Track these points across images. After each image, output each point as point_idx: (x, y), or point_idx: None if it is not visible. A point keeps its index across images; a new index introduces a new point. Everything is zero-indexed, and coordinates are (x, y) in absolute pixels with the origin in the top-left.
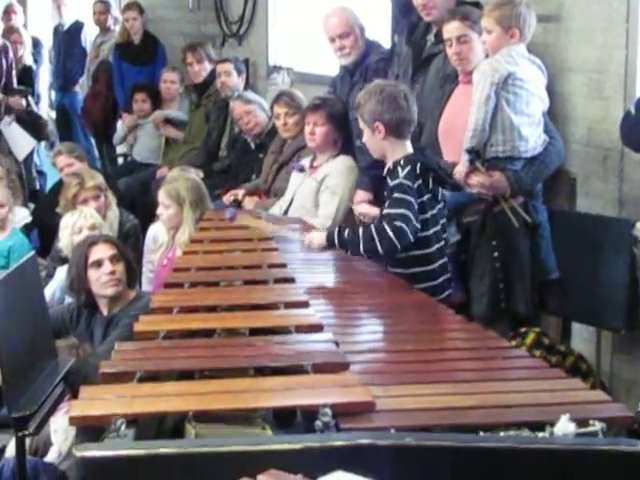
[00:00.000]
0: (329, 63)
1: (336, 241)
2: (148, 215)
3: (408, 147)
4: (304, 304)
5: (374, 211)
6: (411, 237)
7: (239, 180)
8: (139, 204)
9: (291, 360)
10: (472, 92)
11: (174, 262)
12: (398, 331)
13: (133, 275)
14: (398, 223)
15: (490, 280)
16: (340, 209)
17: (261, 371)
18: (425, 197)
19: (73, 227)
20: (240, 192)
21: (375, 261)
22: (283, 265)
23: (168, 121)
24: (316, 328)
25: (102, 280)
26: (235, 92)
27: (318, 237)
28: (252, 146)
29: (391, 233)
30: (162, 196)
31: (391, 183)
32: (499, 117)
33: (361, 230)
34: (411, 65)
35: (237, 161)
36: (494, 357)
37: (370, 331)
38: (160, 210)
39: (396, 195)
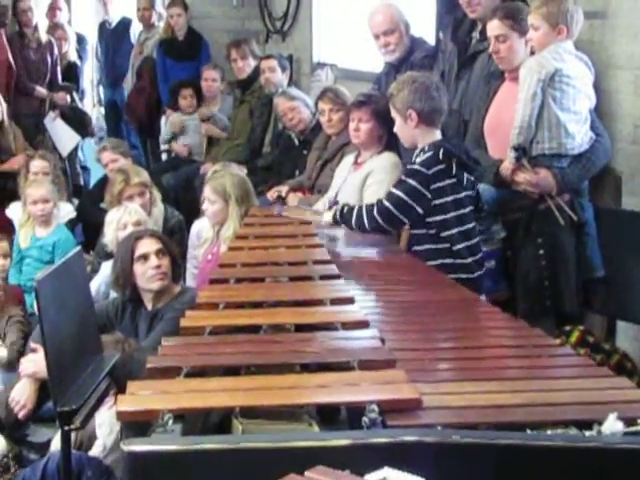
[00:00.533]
0: (373, 59)
1: (338, 217)
2: (191, 211)
3: (437, 136)
4: (350, 300)
5: (327, 218)
6: (403, 219)
7: (283, 176)
8: (183, 200)
9: (337, 356)
10: (518, 89)
11: (219, 258)
12: (444, 328)
13: (178, 270)
14: (386, 204)
15: (535, 278)
16: None
17: (307, 367)
18: (447, 182)
19: (118, 223)
20: (284, 188)
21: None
22: (328, 261)
23: (209, 120)
24: (362, 325)
25: (148, 274)
26: (279, 88)
27: (327, 215)
28: (296, 142)
29: (376, 212)
30: (208, 191)
31: (407, 166)
32: (545, 114)
33: (356, 208)
34: (456, 62)
35: (281, 157)
36: (540, 355)
37: (416, 328)
38: (205, 205)
39: (402, 177)
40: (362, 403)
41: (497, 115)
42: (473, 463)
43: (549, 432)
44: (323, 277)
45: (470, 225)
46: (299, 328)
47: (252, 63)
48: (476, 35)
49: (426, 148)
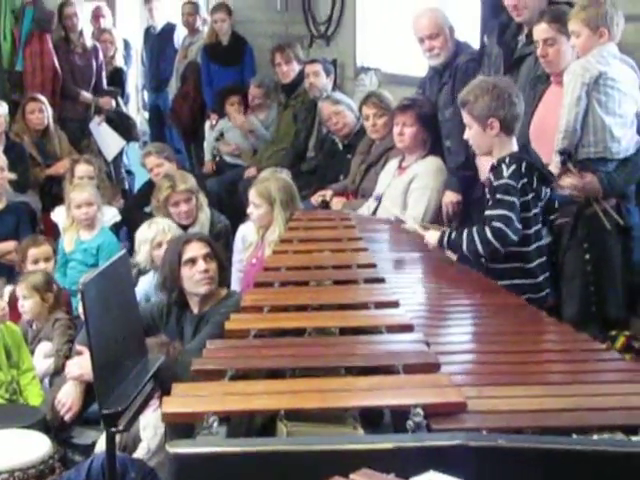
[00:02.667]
0: (417, 64)
1: (445, 242)
2: (236, 215)
3: (514, 144)
4: (394, 304)
5: (420, 230)
6: (514, 237)
7: (327, 181)
8: (227, 204)
9: (382, 360)
10: (563, 93)
11: (264, 261)
12: (489, 332)
13: (224, 274)
14: (497, 224)
15: (581, 283)
16: (429, 210)
17: (351, 371)
18: (529, 196)
19: (152, 242)
20: (328, 193)
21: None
22: (372, 265)
23: (252, 133)
24: (407, 328)
25: (196, 278)
26: (323, 93)
27: (432, 236)
28: (340, 147)
29: (490, 235)
30: (253, 195)
31: (495, 182)
32: (590, 118)
33: (465, 232)
34: (502, 66)
35: (325, 162)
36: (586, 359)
37: (461, 332)
38: (250, 209)
39: (498, 196)
40: (407, 406)
41: (543, 119)
42: (518, 467)
43: (595, 437)
44: (367, 280)
45: (545, 241)
46: (343, 331)
47: (296, 68)
48: (522, 39)
49: (507, 160)
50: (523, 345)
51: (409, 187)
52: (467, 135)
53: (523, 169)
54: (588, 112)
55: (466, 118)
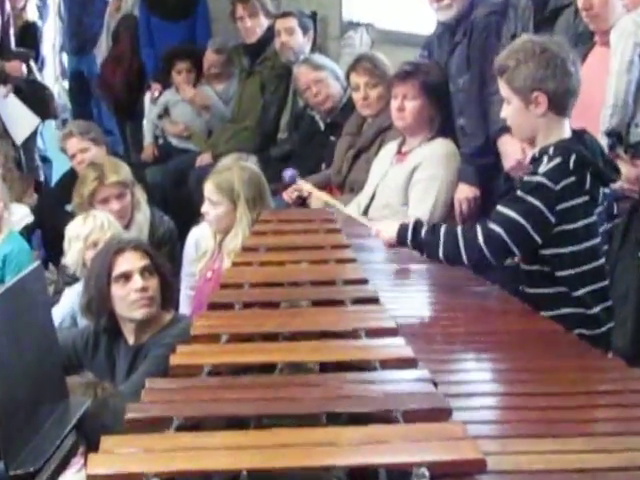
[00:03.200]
0: (422, 18)
1: (409, 237)
2: (185, 216)
3: (566, 129)
4: (392, 332)
5: (387, 234)
6: (514, 249)
7: (304, 170)
8: (173, 201)
9: (375, 405)
10: (611, 56)
11: (222, 276)
12: (514, 368)
13: (169, 293)
14: (496, 228)
15: (636, 301)
16: (437, 208)
17: (336, 419)
18: (578, 200)
19: (86, 240)
20: (306, 186)
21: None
22: (364, 281)
23: (206, 110)
24: (408, 363)
25: (130, 298)
26: (300, 55)
27: (388, 228)
28: (321, 126)
29: (481, 238)
30: (210, 190)
31: (526, 177)
32: None
33: (443, 230)
34: (532, 20)
35: (302, 145)
36: None
37: (478, 368)
38: (206, 208)
39: (519, 193)
40: (408, 465)
41: (586, 90)
42: None
43: None
44: (357, 301)
45: (601, 261)
46: (325, 367)
47: (264, 23)
48: None
49: (551, 150)
50: (558, 385)
51: (411, 178)
52: (505, 112)
53: (571, 164)
54: None
55: (504, 90)
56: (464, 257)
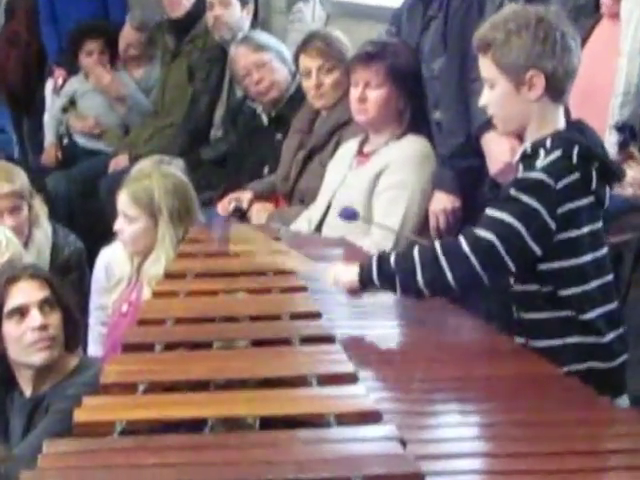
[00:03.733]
0: None
1: (374, 273)
2: (96, 234)
3: (561, 119)
4: (350, 378)
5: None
6: (511, 266)
7: (243, 176)
8: (81, 216)
9: (330, 470)
10: (622, 33)
11: (139, 309)
12: (501, 422)
13: (75, 331)
14: (486, 234)
15: None
16: (408, 223)
17: None
18: (583, 202)
19: None
20: (245, 196)
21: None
22: (316, 315)
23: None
24: (370, 417)
25: (27, 339)
26: (237, 33)
27: (346, 271)
28: (264, 120)
29: (467, 248)
30: (124, 202)
31: (520, 175)
32: None
33: (416, 250)
34: None
35: (240, 145)
36: None
37: (456, 422)
38: (120, 224)
39: (512, 192)
40: None
41: (589, 73)
42: None
43: None
44: (307, 340)
45: (610, 277)
46: (268, 424)
47: None
48: None
49: (548, 143)
50: (556, 443)
51: (375, 185)
52: (485, 99)
53: (575, 158)
54: None
55: (488, 70)
56: (449, 277)
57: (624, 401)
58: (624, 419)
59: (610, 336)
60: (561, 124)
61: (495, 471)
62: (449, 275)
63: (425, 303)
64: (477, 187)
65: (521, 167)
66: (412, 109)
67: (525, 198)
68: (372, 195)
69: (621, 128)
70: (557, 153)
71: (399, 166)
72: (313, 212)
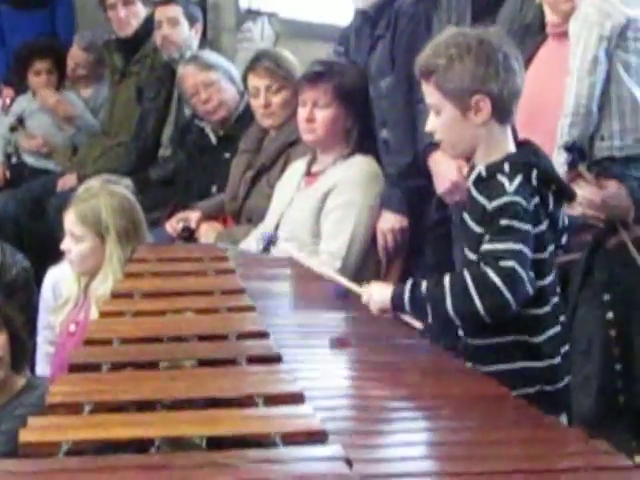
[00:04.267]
0: (336, 7)
1: (406, 298)
2: (44, 253)
3: (509, 139)
4: (297, 398)
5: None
6: (529, 288)
7: (191, 195)
8: (29, 235)
9: None
10: (568, 52)
11: (86, 329)
12: (450, 442)
13: (22, 351)
14: (509, 263)
15: (601, 357)
16: (355, 243)
17: None
18: (544, 224)
19: None
20: (194, 215)
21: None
22: (263, 334)
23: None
24: (317, 437)
25: None
26: (186, 52)
27: (379, 293)
28: (213, 140)
29: (498, 280)
30: (71, 221)
31: (492, 203)
32: (614, 92)
33: (448, 280)
34: (469, 10)
35: (188, 164)
36: None
37: (404, 441)
38: (67, 244)
39: (503, 222)
40: None
41: (537, 94)
42: None
43: None
44: (254, 359)
45: (557, 298)
46: (214, 443)
47: (141, 12)
48: None
49: (506, 167)
50: (505, 461)
51: (323, 206)
52: (431, 125)
53: (534, 181)
54: (610, 84)
55: (432, 96)
56: (479, 307)
57: (563, 419)
58: (572, 438)
59: (558, 358)
60: (511, 146)
61: None
62: (479, 305)
63: (374, 322)
64: (423, 206)
65: (474, 190)
66: (359, 128)
67: (518, 224)
68: (320, 215)
69: (570, 148)
70: (519, 178)
71: (346, 186)
72: (261, 232)
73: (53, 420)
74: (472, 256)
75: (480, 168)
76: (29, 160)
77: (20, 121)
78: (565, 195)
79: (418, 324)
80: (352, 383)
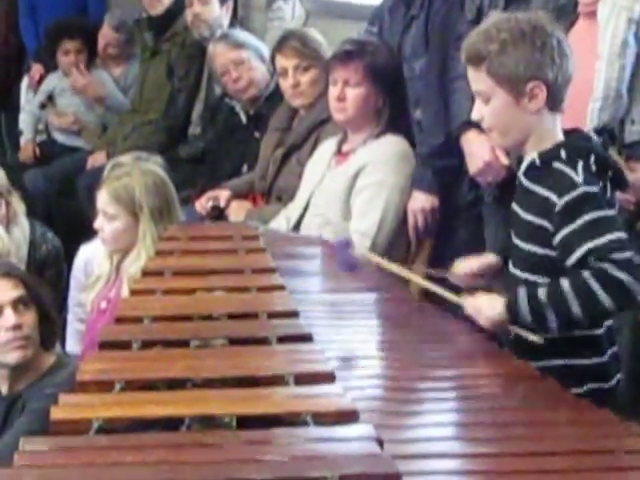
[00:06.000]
0: None
1: (524, 308)
2: (74, 231)
3: (559, 127)
4: (327, 377)
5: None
6: None
7: (221, 174)
8: (59, 213)
9: (307, 469)
10: (599, 34)
11: (117, 307)
12: (481, 422)
13: (51, 329)
14: (624, 254)
15: (630, 338)
16: (386, 222)
17: None
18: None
19: None
20: (223, 194)
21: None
22: (293, 313)
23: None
24: (348, 417)
25: (1, 339)
26: (216, 30)
27: (489, 307)
28: (243, 118)
29: (621, 274)
30: (104, 200)
31: (565, 197)
32: None
33: (567, 283)
34: None
35: (218, 143)
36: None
37: (434, 422)
38: (100, 223)
39: (589, 216)
40: None
41: None
42: None
43: None
44: (285, 339)
45: None
46: (244, 422)
47: None
48: None
49: (563, 154)
50: (537, 443)
51: (354, 185)
52: (478, 113)
53: (592, 166)
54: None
55: (482, 83)
56: (607, 302)
57: None
58: (606, 420)
59: (608, 354)
60: (560, 134)
61: (473, 471)
62: (608, 302)
63: (405, 304)
64: (455, 187)
65: (525, 180)
66: (391, 108)
67: (603, 213)
68: (350, 194)
69: (601, 132)
70: (581, 164)
71: (377, 166)
72: (291, 211)
73: (84, 398)
74: (522, 244)
75: (532, 156)
76: (59, 138)
77: (50, 98)
78: (621, 182)
79: (534, 337)
80: (383, 363)
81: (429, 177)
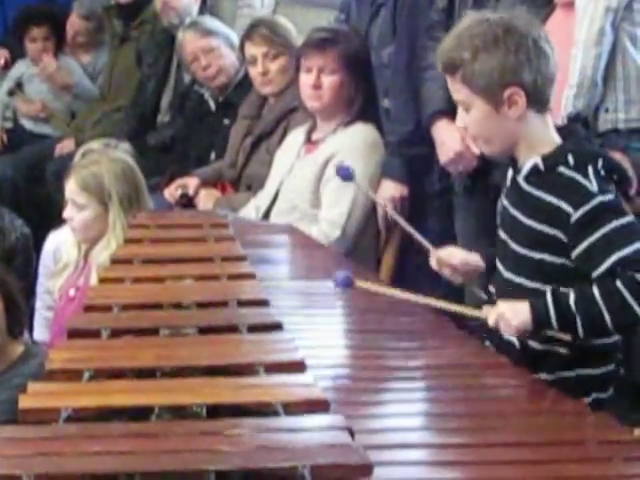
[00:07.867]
0: None
1: (552, 316)
2: (42, 218)
3: (552, 127)
4: (298, 367)
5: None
6: None
7: (190, 162)
8: (27, 200)
9: (277, 459)
10: (575, 24)
11: (86, 295)
12: (451, 412)
13: (18, 317)
14: None
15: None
16: (355, 211)
17: (227, 478)
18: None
19: None
20: (192, 181)
21: None
22: (263, 302)
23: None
24: (318, 406)
25: None
26: (185, 18)
27: (514, 311)
28: (212, 106)
29: None
30: (73, 190)
31: (582, 208)
32: (619, 65)
33: (598, 292)
34: None
35: (187, 130)
36: (610, 457)
37: (406, 412)
38: (69, 212)
39: (612, 225)
40: None
41: None
42: None
43: None
44: (254, 328)
45: None
46: (214, 412)
47: None
48: None
49: (570, 160)
50: (506, 434)
51: (323, 173)
52: (461, 121)
53: (601, 170)
54: (616, 55)
55: (460, 92)
56: (638, 312)
57: None
58: (576, 410)
59: (612, 365)
60: (556, 135)
61: (444, 462)
62: (637, 307)
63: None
64: (425, 176)
65: (526, 185)
66: (362, 97)
67: (624, 220)
68: (320, 183)
69: (574, 119)
70: (590, 169)
71: (347, 154)
72: (261, 200)
73: (52, 386)
74: (520, 249)
75: (535, 161)
76: (27, 125)
77: (18, 85)
78: (626, 184)
79: (567, 337)
80: (354, 353)
81: (398, 165)
